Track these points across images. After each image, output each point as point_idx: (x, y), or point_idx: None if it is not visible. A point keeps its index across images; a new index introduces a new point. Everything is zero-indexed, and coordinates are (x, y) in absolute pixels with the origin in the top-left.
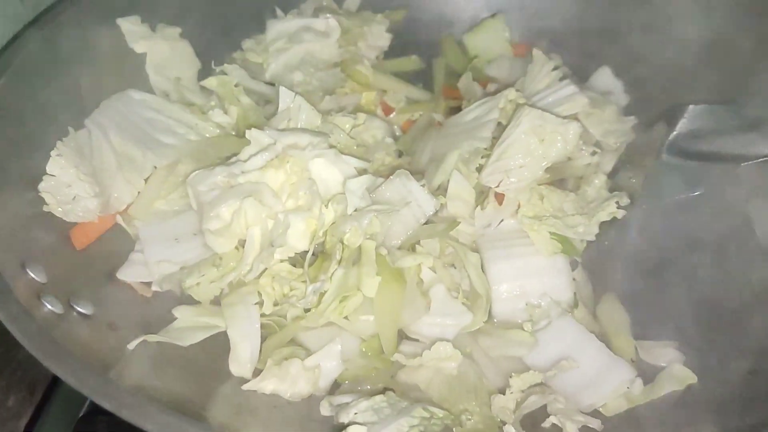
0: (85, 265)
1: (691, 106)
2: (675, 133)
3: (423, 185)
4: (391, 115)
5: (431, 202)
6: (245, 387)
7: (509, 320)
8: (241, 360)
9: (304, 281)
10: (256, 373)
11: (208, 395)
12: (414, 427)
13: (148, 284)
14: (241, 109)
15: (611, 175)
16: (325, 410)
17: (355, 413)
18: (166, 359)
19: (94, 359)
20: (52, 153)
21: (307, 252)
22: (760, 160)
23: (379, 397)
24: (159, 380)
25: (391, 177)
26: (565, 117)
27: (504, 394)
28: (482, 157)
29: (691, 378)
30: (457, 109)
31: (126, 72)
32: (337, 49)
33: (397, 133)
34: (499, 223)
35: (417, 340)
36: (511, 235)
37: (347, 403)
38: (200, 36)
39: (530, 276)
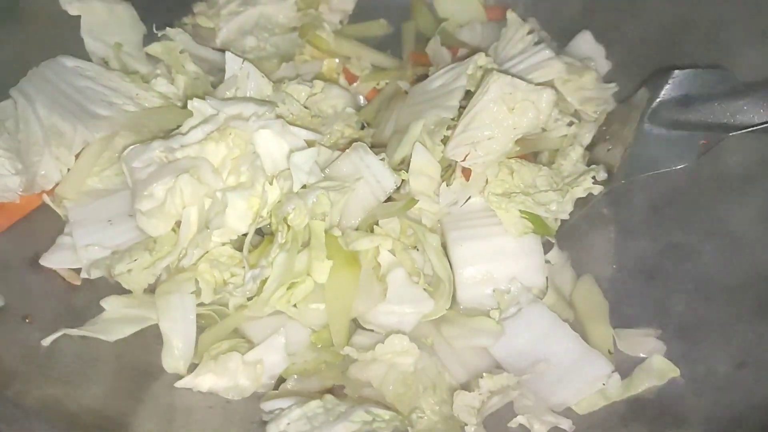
0: (1, 251)
1: (675, 71)
2: (658, 100)
3: (383, 159)
4: (355, 84)
5: (391, 178)
6: (178, 384)
7: (475, 307)
8: (174, 355)
9: (244, 267)
10: (192, 369)
11: (137, 396)
12: None
13: (78, 271)
14: (189, 79)
15: (589, 148)
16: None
17: (288, 423)
18: (88, 357)
19: None
20: None
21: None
22: (750, 129)
23: (314, 403)
24: (78, 382)
25: (348, 151)
26: (538, 84)
27: (467, 390)
28: (448, 129)
29: (673, 371)
30: (425, 77)
31: (59, 37)
32: (295, 12)
33: (362, 103)
34: (467, 200)
35: (372, 331)
36: (478, 214)
37: (281, 410)
38: None
39: (498, 259)
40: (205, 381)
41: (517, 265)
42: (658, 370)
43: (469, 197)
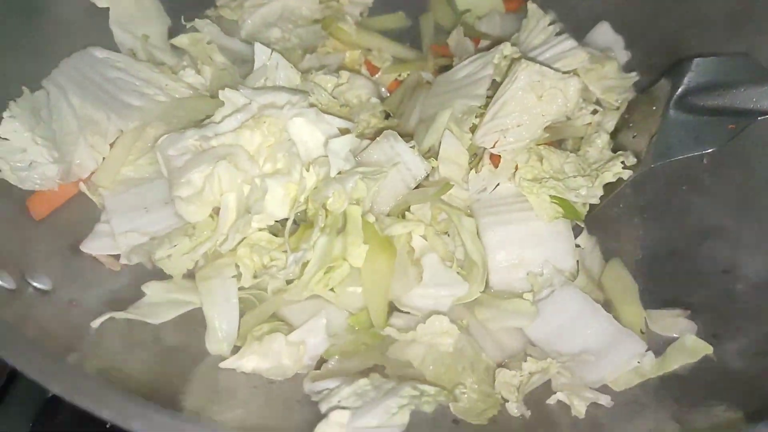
0: (44, 237)
1: (697, 60)
2: (683, 87)
3: (412, 147)
4: (377, 76)
5: (421, 165)
6: (223, 365)
7: (508, 291)
8: (218, 337)
9: (285, 251)
10: (236, 352)
11: (183, 377)
12: (403, 406)
13: (117, 257)
14: (215, 69)
15: (613, 135)
16: (308, 388)
17: (339, 401)
18: (135, 339)
19: (51, 340)
20: (4, 114)
21: (287, 220)
22: None
23: (362, 381)
24: (127, 362)
25: (378, 138)
26: (564, 72)
27: (505, 367)
28: (476, 117)
29: (706, 349)
30: (447, 68)
31: (88, 28)
32: (318, 5)
33: (384, 95)
34: (495, 187)
35: (408, 313)
36: (508, 200)
37: (329, 390)
38: None
39: (530, 243)
40: (249, 362)
41: (549, 249)
42: (691, 348)
43: (498, 184)
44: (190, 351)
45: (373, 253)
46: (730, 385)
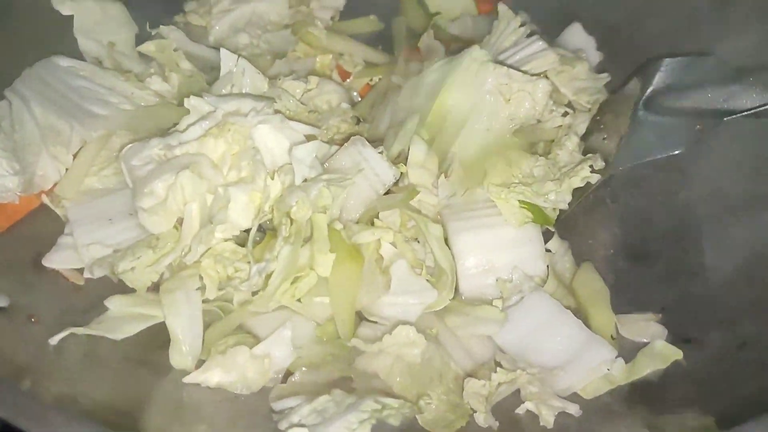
0: (3, 251)
1: (666, 60)
2: (651, 88)
3: (381, 152)
4: (348, 80)
5: (390, 171)
6: (186, 380)
7: (478, 297)
8: (182, 351)
9: (249, 262)
10: (199, 365)
11: (146, 392)
12: (364, 421)
13: (81, 271)
14: (183, 77)
15: (584, 138)
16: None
17: (299, 420)
18: (96, 355)
19: (5, 358)
20: None
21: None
22: (743, 114)
23: (323, 398)
24: (88, 379)
25: (346, 144)
26: (533, 75)
27: (474, 376)
28: None
29: (676, 354)
30: (419, 71)
31: (52, 37)
32: (287, 10)
33: (356, 99)
34: (465, 192)
35: (376, 323)
36: (477, 206)
37: (291, 409)
38: None
39: (499, 249)
40: (213, 376)
41: (519, 254)
42: (661, 353)
43: (467, 189)
44: (153, 366)
45: (340, 261)
46: (702, 390)
